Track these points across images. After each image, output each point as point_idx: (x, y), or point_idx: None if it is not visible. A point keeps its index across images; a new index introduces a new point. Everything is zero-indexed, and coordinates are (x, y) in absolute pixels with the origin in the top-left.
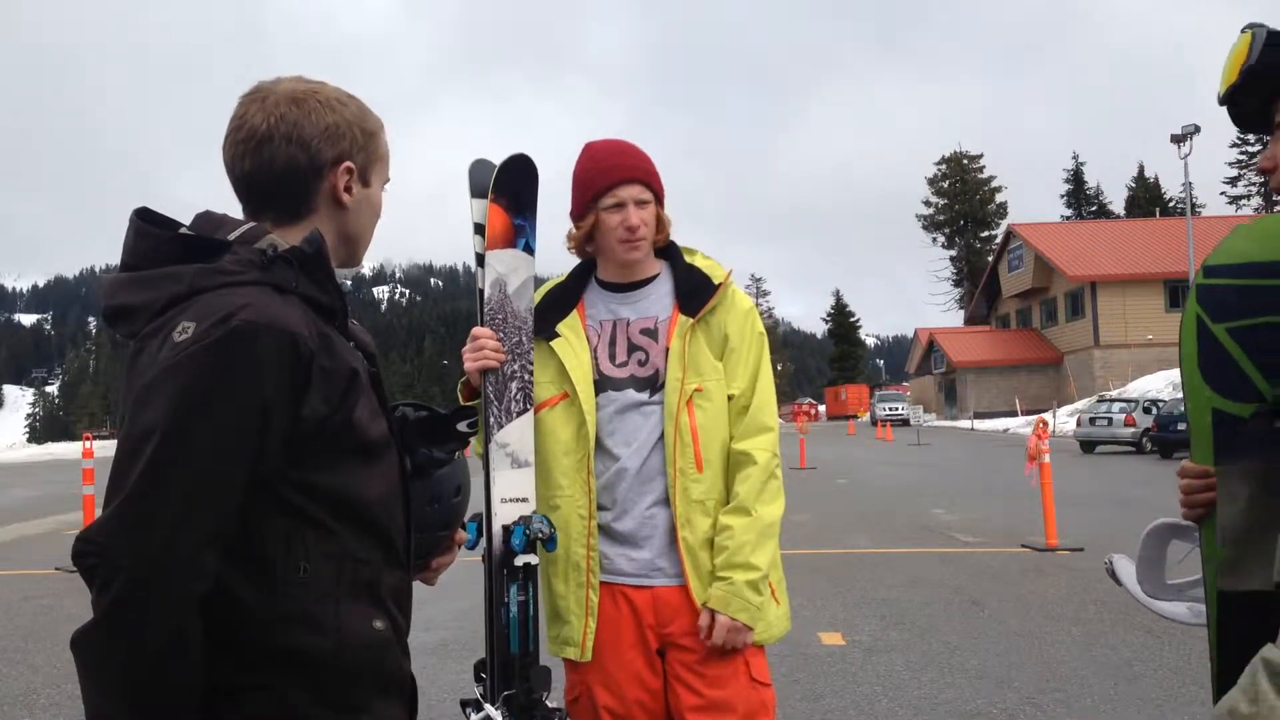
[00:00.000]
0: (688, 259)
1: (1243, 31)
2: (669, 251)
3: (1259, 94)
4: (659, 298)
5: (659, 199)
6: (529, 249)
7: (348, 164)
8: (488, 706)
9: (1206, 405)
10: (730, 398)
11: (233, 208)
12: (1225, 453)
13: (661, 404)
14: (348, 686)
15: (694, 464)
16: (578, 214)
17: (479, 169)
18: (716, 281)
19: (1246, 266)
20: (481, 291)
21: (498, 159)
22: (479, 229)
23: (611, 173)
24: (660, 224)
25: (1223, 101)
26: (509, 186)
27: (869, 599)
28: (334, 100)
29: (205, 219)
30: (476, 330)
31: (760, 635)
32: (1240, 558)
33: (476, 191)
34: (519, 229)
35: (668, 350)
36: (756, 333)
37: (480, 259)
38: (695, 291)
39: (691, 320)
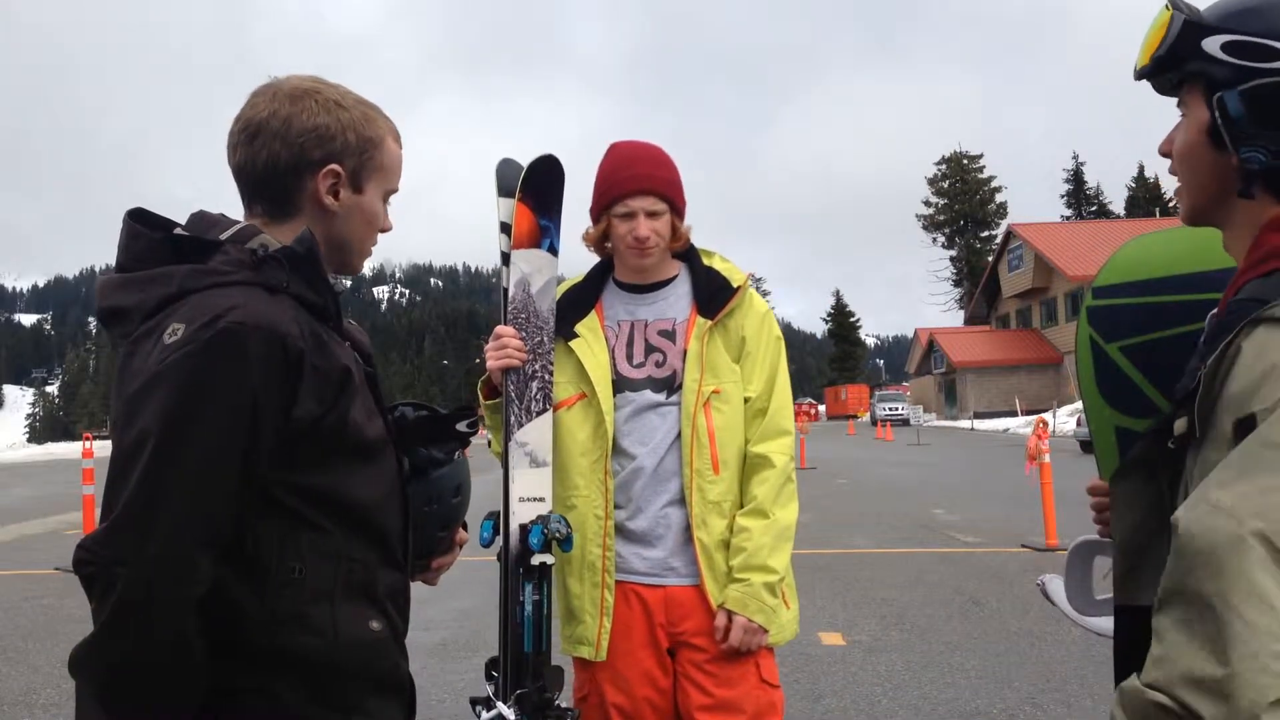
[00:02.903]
0: (706, 261)
1: (1165, 8)
2: (687, 254)
3: (1170, 78)
4: (677, 299)
5: (676, 209)
6: (553, 250)
7: (333, 167)
8: (500, 705)
9: (1109, 424)
10: (746, 400)
11: (228, 208)
12: (1117, 472)
13: (678, 405)
14: (344, 687)
15: (711, 465)
16: (594, 216)
17: (507, 168)
18: (735, 284)
19: (1132, 285)
20: (506, 290)
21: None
22: (505, 228)
23: (625, 183)
24: (676, 233)
25: (1137, 79)
26: (536, 187)
27: (869, 599)
28: (332, 102)
29: (199, 219)
30: (500, 329)
31: (772, 638)
32: (1132, 573)
33: (504, 190)
34: (544, 229)
35: (685, 352)
36: (773, 336)
37: (505, 258)
38: (714, 294)
39: (710, 322)
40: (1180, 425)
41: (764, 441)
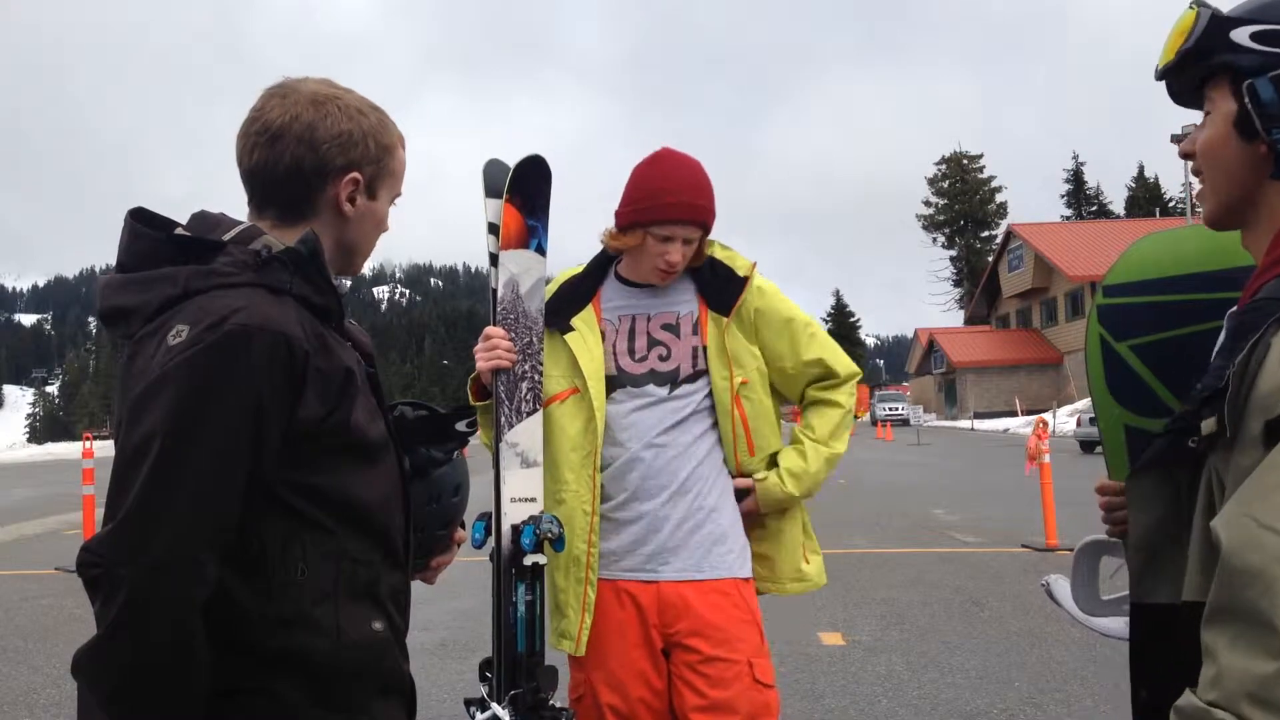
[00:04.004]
0: (706, 251)
1: (1189, 8)
2: None
3: (1193, 78)
4: (679, 292)
5: (706, 233)
6: (541, 250)
7: (354, 174)
8: (494, 706)
9: (1118, 422)
10: (789, 373)
11: (226, 207)
12: (1134, 471)
13: (682, 398)
14: (346, 688)
15: (748, 451)
16: (625, 223)
17: (494, 169)
18: (741, 274)
19: (1143, 284)
20: (495, 291)
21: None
22: (493, 229)
23: (674, 209)
24: (699, 254)
25: (1159, 78)
26: (523, 187)
27: (869, 599)
28: (353, 109)
29: (201, 219)
30: (490, 330)
31: (801, 586)
32: (1149, 570)
33: (491, 191)
34: (532, 230)
35: (695, 349)
36: (789, 308)
37: (494, 259)
38: (721, 285)
39: (727, 319)
40: (1209, 425)
41: (831, 390)
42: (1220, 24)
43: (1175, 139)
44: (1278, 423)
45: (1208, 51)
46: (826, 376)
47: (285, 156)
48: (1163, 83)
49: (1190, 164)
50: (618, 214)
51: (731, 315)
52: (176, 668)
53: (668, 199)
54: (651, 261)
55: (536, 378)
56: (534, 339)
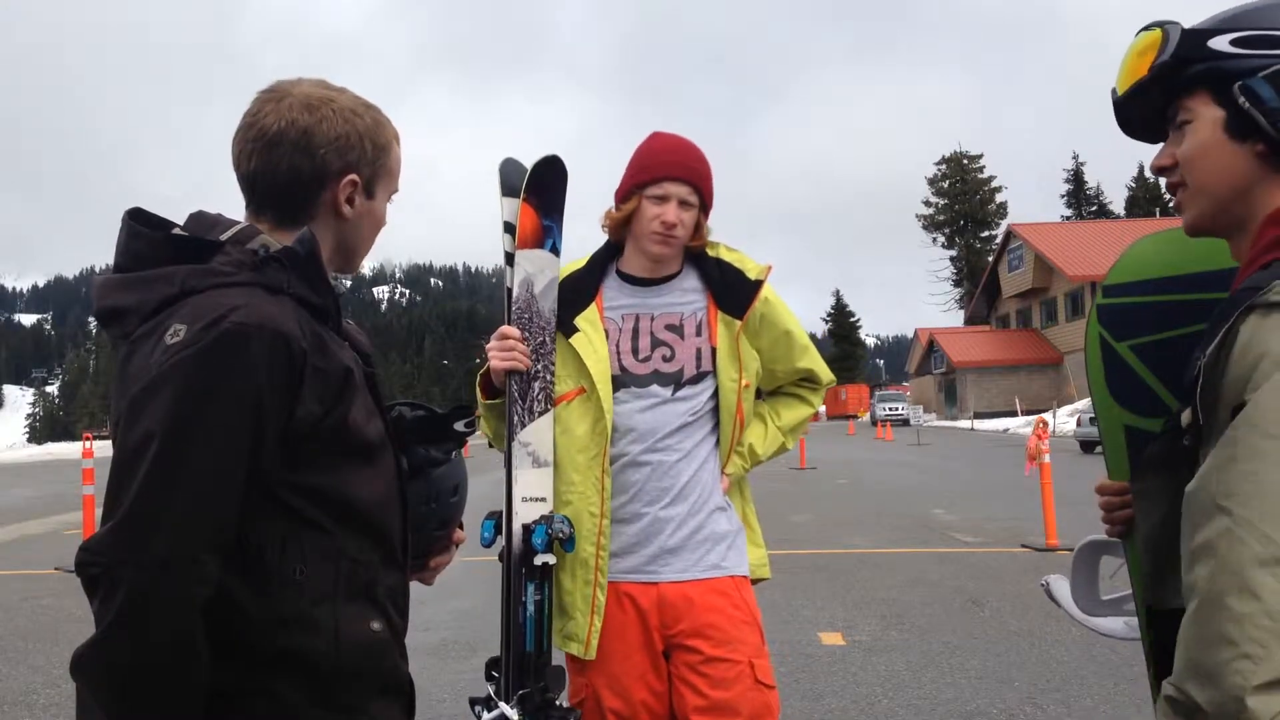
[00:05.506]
0: (711, 252)
1: (1146, 30)
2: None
3: (1162, 95)
4: (685, 292)
5: (705, 208)
6: (555, 250)
7: (352, 177)
8: (502, 705)
9: (1118, 423)
10: (779, 376)
11: (226, 206)
12: (1137, 471)
13: (686, 400)
14: (345, 688)
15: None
16: (622, 195)
17: (510, 168)
18: (752, 277)
19: (1143, 284)
20: (510, 290)
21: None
22: (509, 228)
23: (666, 167)
24: (698, 231)
25: (1122, 100)
26: (540, 187)
27: (869, 599)
28: (348, 110)
29: (198, 219)
30: (505, 329)
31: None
32: (1161, 575)
33: (508, 190)
34: (547, 229)
35: (699, 350)
36: (790, 319)
37: (510, 258)
38: (730, 288)
39: (740, 322)
40: (1186, 417)
41: (811, 392)
42: (1196, 36)
43: None
44: (1240, 409)
45: (1186, 62)
46: (810, 380)
47: (283, 163)
48: (1115, 112)
49: (1165, 178)
50: (616, 191)
51: (746, 318)
52: (176, 667)
53: (661, 158)
54: (648, 226)
55: (549, 377)
56: (547, 339)
